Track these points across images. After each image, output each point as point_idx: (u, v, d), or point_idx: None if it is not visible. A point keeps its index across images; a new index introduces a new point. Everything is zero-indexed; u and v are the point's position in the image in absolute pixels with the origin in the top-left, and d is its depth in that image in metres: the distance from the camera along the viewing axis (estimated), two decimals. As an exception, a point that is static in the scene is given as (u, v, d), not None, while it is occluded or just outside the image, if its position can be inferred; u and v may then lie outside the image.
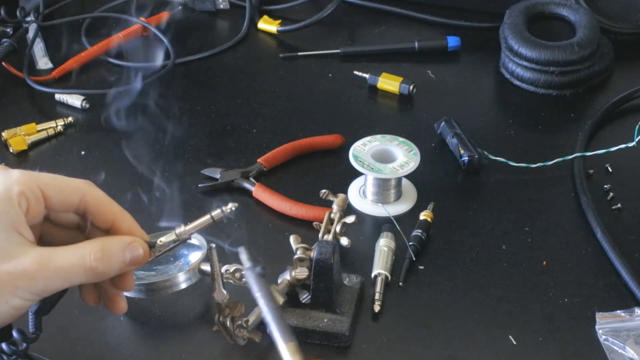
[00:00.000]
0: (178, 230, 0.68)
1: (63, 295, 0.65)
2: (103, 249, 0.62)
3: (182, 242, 0.68)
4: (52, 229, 0.67)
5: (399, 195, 0.92)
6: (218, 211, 0.68)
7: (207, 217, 0.68)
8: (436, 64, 1.18)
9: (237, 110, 1.09)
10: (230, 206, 0.68)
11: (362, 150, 0.91)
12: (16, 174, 0.62)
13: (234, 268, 0.74)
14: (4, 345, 0.65)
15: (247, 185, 0.94)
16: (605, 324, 0.76)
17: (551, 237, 0.87)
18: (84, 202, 0.65)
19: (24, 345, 0.65)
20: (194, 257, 0.80)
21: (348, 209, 0.86)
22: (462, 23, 1.25)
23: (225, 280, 0.73)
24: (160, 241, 0.67)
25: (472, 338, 0.76)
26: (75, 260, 0.61)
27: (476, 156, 0.94)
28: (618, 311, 0.77)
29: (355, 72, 1.13)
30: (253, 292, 0.64)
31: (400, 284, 0.82)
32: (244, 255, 0.66)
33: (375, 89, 1.12)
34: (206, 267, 0.78)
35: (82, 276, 0.62)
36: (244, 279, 0.74)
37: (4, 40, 1.15)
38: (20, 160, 1.00)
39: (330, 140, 1.00)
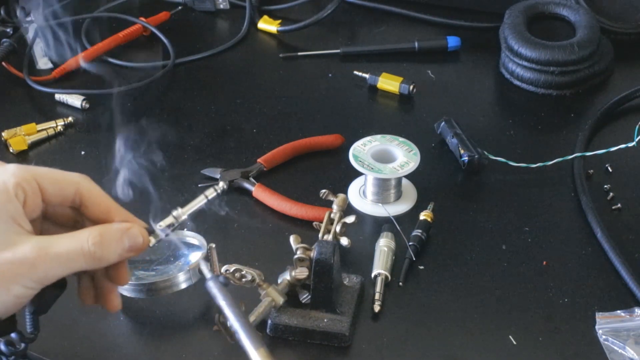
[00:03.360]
0: (175, 213, 0.68)
1: (60, 295, 0.65)
2: (101, 234, 0.63)
3: (180, 224, 0.69)
4: (51, 227, 0.67)
5: (399, 195, 0.92)
6: (211, 190, 0.69)
7: (202, 197, 0.69)
8: (436, 64, 1.18)
9: (237, 110, 1.09)
10: (222, 185, 0.70)
11: (362, 150, 0.91)
12: (12, 167, 0.62)
13: (233, 268, 0.74)
14: (2, 346, 0.65)
15: (247, 185, 0.94)
16: (605, 324, 0.76)
17: (551, 237, 0.87)
18: (79, 194, 0.65)
19: (22, 345, 0.65)
20: (194, 257, 0.80)
21: (348, 209, 0.86)
22: (462, 23, 1.25)
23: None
24: (160, 225, 0.67)
25: (472, 338, 0.76)
26: (74, 246, 0.61)
27: (476, 156, 0.94)
28: (618, 311, 0.77)
29: (355, 72, 1.13)
30: (217, 301, 0.66)
31: (400, 284, 0.82)
32: (204, 267, 0.68)
33: (375, 89, 1.12)
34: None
35: (82, 262, 0.62)
36: (244, 279, 0.74)
37: (4, 40, 1.15)
38: (20, 160, 1.00)
39: (330, 140, 1.00)
